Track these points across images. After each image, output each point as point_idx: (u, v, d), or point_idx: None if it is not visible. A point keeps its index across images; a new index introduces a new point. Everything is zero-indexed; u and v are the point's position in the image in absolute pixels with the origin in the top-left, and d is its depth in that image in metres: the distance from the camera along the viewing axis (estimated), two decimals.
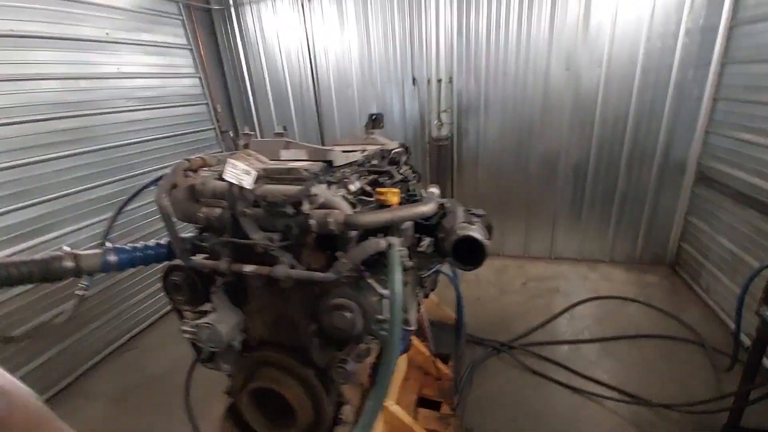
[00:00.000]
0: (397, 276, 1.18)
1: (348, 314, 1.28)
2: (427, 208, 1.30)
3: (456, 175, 4.58)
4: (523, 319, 3.48)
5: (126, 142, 3.55)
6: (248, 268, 1.34)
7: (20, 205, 2.76)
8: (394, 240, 1.29)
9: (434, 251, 1.60)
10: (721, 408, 2.33)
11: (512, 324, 3.42)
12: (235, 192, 1.22)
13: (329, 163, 1.50)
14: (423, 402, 2.54)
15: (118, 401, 2.92)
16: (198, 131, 4.41)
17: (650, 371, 2.85)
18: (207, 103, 4.54)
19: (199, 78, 4.41)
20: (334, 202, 1.28)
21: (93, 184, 3.26)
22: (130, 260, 1.39)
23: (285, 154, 1.55)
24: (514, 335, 3.27)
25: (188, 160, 1.47)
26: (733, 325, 3.18)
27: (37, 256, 1.24)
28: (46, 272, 1.22)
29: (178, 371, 3.08)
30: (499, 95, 4.11)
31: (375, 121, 2.41)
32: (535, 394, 2.70)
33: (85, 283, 1.56)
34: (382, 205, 1.44)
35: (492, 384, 2.82)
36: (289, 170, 1.34)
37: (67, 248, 1.30)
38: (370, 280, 1.33)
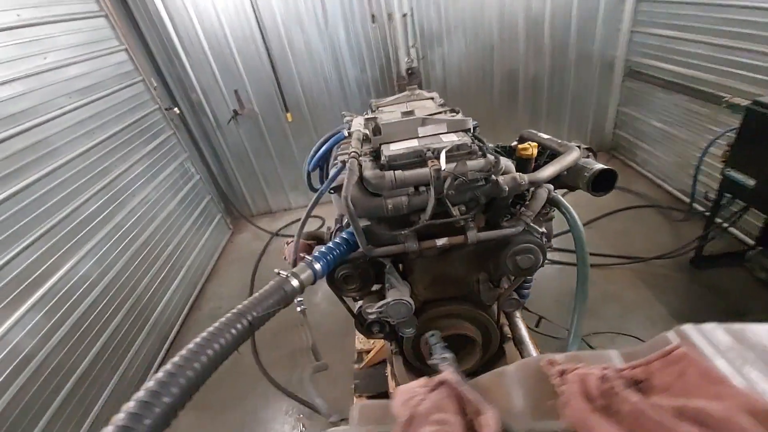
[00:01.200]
0: (572, 211, 1.48)
1: (531, 256, 1.55)
2: (578, 153, 1.56)
3: None
4: None
5: (88, 146, 2.99)
6: (441, 242, 1.49)
7: (12, 252, 2.31)
8: (551, 186, 1.55)
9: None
10: (689, 249, 3.22)
11: None
12: (439, 177, 1.32)
13: (468, 130, 1.62)
14: None
15: (201, 408, 2.91)
16: (145, 115, 3.81)
17: (629, 235, 3.69)
18: (143, 80, 3.87)
19: (126, 50, 3.68)
20: (509, 167, 1.46)
21: (77, 204, 2.79)
22: (328, 264, 1.43)
23: (423, 130, 1.61)
24: None
25: (352, 156, 1.47)
26: (669, 187, 4.15)
27: (268, 288, 1.24)
28: (284, 299, 1.25)
29: (242, 358, 3.13)
30: (459, 21, 4.21)
31: (412, 76, 2.45)
32: (564, 278, 3.37)
33: (301, 298, 1.54)
34: (522, 158, 1.65)
35: None
36: (459, 147, 1.45)
37: (282, 272, 1.30)
38: (530, 223, 1.59)
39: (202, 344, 0.92)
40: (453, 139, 1.53)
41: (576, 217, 1.49)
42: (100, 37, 3.41)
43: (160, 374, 0.79)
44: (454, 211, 1.42)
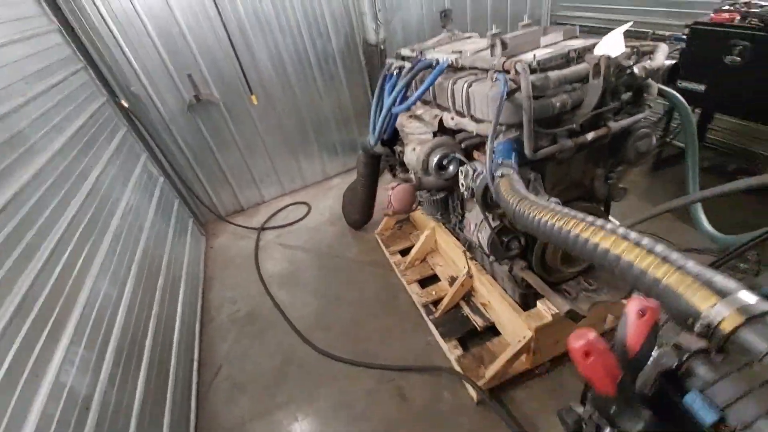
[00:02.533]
0: (676, 93, 1.76)
1: (649, 139, 1.80)
2: (666, 45, 1.82)
3: None
4: None
5: (62, 142, 2.39)
6: (590, 135, 1.63)
7: (32, 274, 1.78)
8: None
9: None
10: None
11: None
12: (609, 66, 1.44)
13: (577, 36, 1.77)
14: None
15: (276, 407, 2.63)
16: (98, 108, 3.15)
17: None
18: (84, 67, 3.18)
19: (59, 30, 2.98)
20: None
21: (73, 211, 2.23)
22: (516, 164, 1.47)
23: (545, 39, 1.70)
24: None
25: (518, 60, 1.49)
26: None
27: (508, 187, 1.25)
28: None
29: (292, 357, 2.92)
30: None
31: (446, 18, 2.51)
32: None
33: None
34: None
35: None
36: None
37: (501, 172, 1.30)
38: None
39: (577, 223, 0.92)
40: (584, 41, 1.68)
41: (681, 98, 1.77)
42: (28, 13, 2.70)
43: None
44: (614, 102, 1.58)
